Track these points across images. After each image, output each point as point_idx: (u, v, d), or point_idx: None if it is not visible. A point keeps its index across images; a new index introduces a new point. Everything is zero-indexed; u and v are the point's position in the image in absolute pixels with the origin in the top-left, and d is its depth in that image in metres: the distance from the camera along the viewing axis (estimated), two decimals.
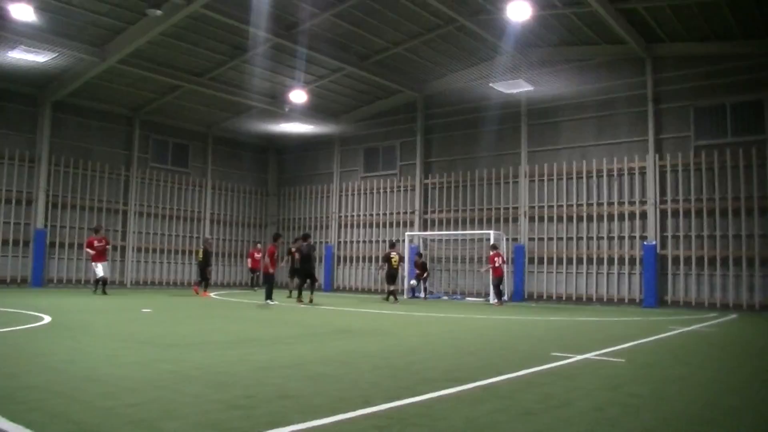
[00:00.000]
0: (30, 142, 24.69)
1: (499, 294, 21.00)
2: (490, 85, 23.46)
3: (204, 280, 22.65)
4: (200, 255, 23.09)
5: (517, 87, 23.25)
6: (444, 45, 22.97)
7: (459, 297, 24.14)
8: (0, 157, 23.81)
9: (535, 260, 23.66)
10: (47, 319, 10.98)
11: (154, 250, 28.21)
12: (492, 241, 22.74)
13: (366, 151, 29.69)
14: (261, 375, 6.03)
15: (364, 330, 11.27)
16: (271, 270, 18.80)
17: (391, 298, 20.82)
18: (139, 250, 27.49)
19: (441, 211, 26.59)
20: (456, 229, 25.70)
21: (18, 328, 9.51)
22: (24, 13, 18.12)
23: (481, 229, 24.70)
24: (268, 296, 18.17)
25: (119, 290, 24.33)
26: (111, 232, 26.68)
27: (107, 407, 4.48)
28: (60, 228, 25.26)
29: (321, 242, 30.43)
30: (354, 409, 4.56)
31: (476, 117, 25.53)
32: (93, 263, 20.58)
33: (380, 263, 22.24)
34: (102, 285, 20.10)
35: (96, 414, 4.26)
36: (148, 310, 14.06)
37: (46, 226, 24.70)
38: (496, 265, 20.86)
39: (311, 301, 18.24)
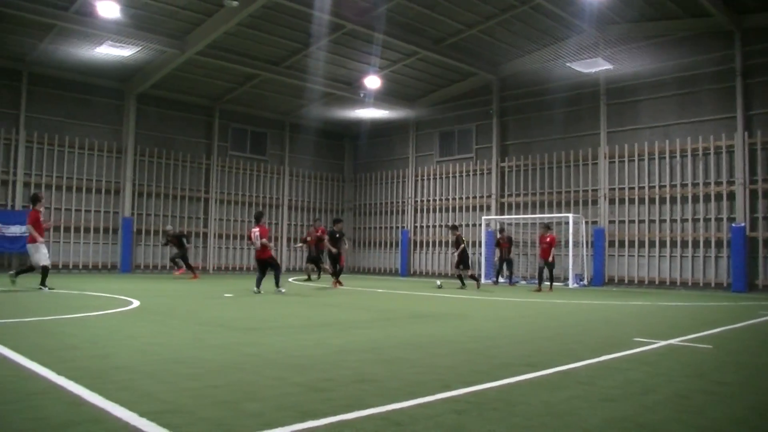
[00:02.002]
0: (117, 133, 25.73)
1: (541, 278, 19.18)
2: (567, 64, 22.91)
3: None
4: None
5: (595, 66, 22.62)
6: (519, 25, 22.54)
7: (536, 281, 23.74)
8: (90, 148, 24.95)
9: (616, 244, 23.06)
10: (135, 303, 11.45)
11: (235, 237, 28.97)
12: (571, 224, 22.30)
13: (441, 135, 29.54)
14: (338, 358, 6.11)
15: (439, 314, 11.26)
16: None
17: (472, 283, 20.38)
18: (219, 236, 28.26)
19: (518, 195, 26.23)
20: (533, 212, 25.31)
21: (109, 311, 9.95)
22: (110, 11, 18.84)
23: (560, 212, 24.22)
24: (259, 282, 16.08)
25: (202, 275, 25.10)
26: (193, 220, 27.63)
27: (192, 388, 4.63)
28: (146, 216, 26.27)
29: (397, 227, 30.55)
30: (432, 393, 4.56)
31: (553, 98, 24.98)
32: (35, 244, 14.27)
33: (455, 248, 20.77)
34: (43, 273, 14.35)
35: (182, 394, 4.42)
36: (230, 295, 14.45)
37: (132, 214, 25.72)
38: (543, 245, 18.98)
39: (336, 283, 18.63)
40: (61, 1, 19.40)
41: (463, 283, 20.02)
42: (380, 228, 31.86)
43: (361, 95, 27.04)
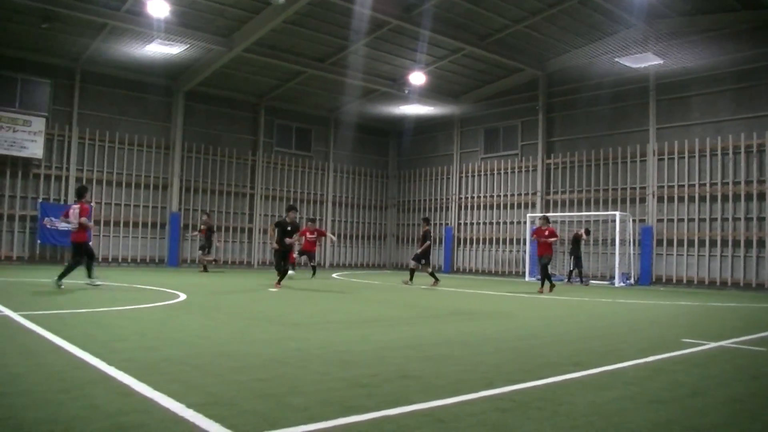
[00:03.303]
0: (165, 130, 26.21)
1: (546, 278, 16.78)
2: (616, 60, 22.51)
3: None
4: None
5: (644, 61, 22.16)
6: (567, 20, 22.22)
7: (578, 280, 23.37)
8: (139, 144, 25.47)
9: (664, 242, 22.58)
10: (183, 296, 11.66)
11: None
12: (618, 222, 21.93)
13: (486, 131, 29.34)
14: (382, 355, 6.13)
15: (484, 312, 11.20)
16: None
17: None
18: (264, 232, 28.53)
19: (564, 192, 25.90)
20: (579, 210, 24.94)
21: (158, 304, 10.15)
22: (159, 9, 19.18)
23: (606, 210, 23.84)
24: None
25: (247, 271, 25.44)
26: (239, 215, 27.99)
27: (239, 381, 4.70)
28: (192, 211, 26.70)
29: (441, 224, 30.46)
30: (476, 391, 4.55)
31: (601, 94, 24.55)
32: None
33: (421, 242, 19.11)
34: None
35: (229, 387, 4.49)
36: (274, 290, 14.60)
37: (180, 209, 26.17)
38: (552, 240, 17.02)
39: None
40: (112, 1, 19.83)
41: (412, 279, 18.72)
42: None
43: (406, 91, 27.00)
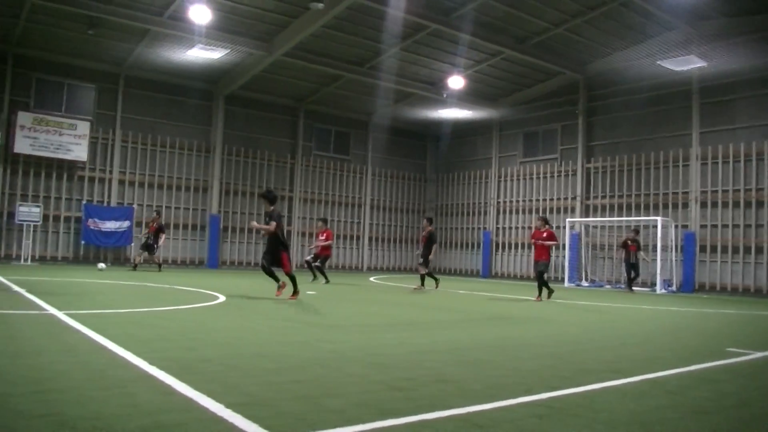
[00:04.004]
0: (205, 133, 26.59)
1: (543, 285, 15.22)
2: (658, 62, 22.14)
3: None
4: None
5: (687, 63, 21.76)
6: (608, 23, 21.95)
7: (623, 286, 23.01)
8: (180, 148, 25.89)
9: (708, 249, 22.12)
10: (222, 298, 11.79)
11: (317, 236, 29.37)
12: (660, 227, 21.53)
13: (525, 135, 29.12)
14: (419, 358, 6.12)
15: (522, 317, 11.10)
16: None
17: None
18: (303, 234, 28.74)
19: (604, 197, 25.55)
20: (620, 215, 24.58)
21: (197, 305, 10.28)
22: (200, 15, 19.47)
23: (647, 215, 23.46)
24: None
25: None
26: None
27: (276, 382, 4.73)
28: (232, 213, 27.02)
29: (479, 228, 30.30)
30: (513, 397, 4.50)
31: (642, 97, 24.19)
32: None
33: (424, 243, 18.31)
34: None
35: (266, 388, 4.52)
36: (312, 293, 14.68)
37: (219, 211, 26.51)
38: (539, 242, 15.34)
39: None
40: (155, 7, 20.22)
41: (422, 283, 18.01)
42: (462, 228, 31.67)
43: (444, 95, 26.95)
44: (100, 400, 3.96)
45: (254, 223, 12.94)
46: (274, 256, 12.15)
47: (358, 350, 6.44)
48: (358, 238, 30.67)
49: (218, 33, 21.39)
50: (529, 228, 28.02)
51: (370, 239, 30.90)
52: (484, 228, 30.11)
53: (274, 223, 11.87)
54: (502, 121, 29.85)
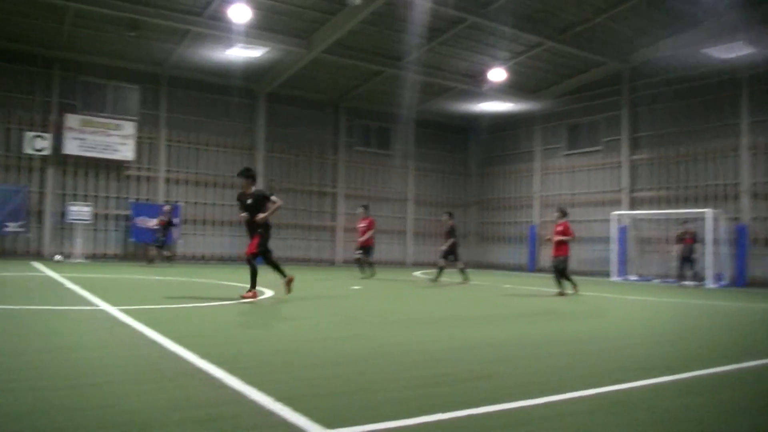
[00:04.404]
0: (248, 131, 26.90)
1: (565, 279, 14.16)
2: (704, 50, 21.61)
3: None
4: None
5: (735, 51, 21.14)
6: (651, 11, 21.51)
7: (672, 281, 22.54)
8: (224, 146, 26.25)
9: (761, 242, 21.53)
10: (269, 293, 11.93)
11: (358, 223, 29.51)
12: (709, 220, 20.96)
13: (568, 127, 28.75)
14: (459, 354, 6.12)
15: (568, 312, 10.99)
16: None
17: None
18: (347, 230, 28.87)
19: (650, 189, 25.07)
20: (667, 207, 24.06)
21: (246, 301, 10.41)
22: (240, 14, 19.69)
23: (696, 207, 22.91)
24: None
25: (330, 268, 25.79)
26: (321, 214, 28.43)
27: (323, 376, 4.80)
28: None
29: (524, 222, 30.05)
30: (555, 393, 4.47)
31: (688, 86, 23.65)
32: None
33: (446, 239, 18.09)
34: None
35: (314, 382, 4.58)
36: (357, 287, 14.76)
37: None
38: (557, 239, 14.20)
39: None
40: (195, 8, 20.51)
41: (439, 275, 17.85)
42: (506, 223, 31.44)
43: (485, 88, 26.76)
44: (153, 393, 4.06)
45: (260, 216, 10.34)
46: (251, 238, 10.61)
47: (402, 345, 6.47)
48: (402, 233, 30.69)
49: (258, 31, 21.60)
50: (574, 221, 27.69)
51: (414, 234, 30.87)
52: (529, 222, 29.82)
53: (275, 197, 10.61)
54: (545, 113, 29.50)
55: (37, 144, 22.31)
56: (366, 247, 18.70)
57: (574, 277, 14.64)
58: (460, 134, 33.09)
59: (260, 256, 10.51)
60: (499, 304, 11.91)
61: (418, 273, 17.92)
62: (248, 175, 10.59)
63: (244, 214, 10.46)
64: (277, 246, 26.69)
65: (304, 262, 27.56)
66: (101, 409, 3.63)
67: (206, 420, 3.50)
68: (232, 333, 6.91)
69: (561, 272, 14.13)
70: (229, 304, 9.87)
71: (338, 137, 29.05)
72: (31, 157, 22.66)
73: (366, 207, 19.74)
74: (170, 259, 21.97)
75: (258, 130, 26.81)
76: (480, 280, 19.32)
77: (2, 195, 21.57)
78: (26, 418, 3.44)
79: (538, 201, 29.56)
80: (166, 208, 22.18)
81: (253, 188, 10.60)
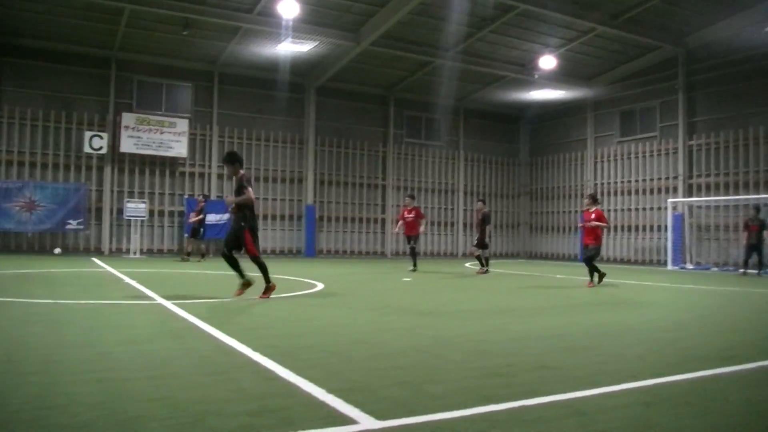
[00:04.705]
0: (298, 125, 27.12)
1: (593, 269, 13.63)
2: (766, 30, 20.83)
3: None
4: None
5: None
6: None
7: (731, 269, 21.88)
8: (275, 141, 26.53)
9: None
10: (320, 286, 12.01)
11: (404, 213, 29.48)
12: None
13: (622, 114, 28.12)
14: (519, 344, 6.05)
15: (624, 301, 10.77)
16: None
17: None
18: (397, 222, 28.84)
19: (708, 175, 24.34)
20: (726, 194, 23.34)
21: (297, 294, 10.51)
22: (288, 9, 19.83)
23: (757, 193, 22.13)
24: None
25: (380, 260, 25.84)
26: (371, 206, 28.50)
27: (376, 368, 4.79)
28: (327, 203, 27.48)
29: (576, 211, 29.59)
30: (617, 383, 4.38)
31: (748, 68, 22.83)
32: None
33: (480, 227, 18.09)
34: None
35: (367, 374, 4.58)
36: (408, 279, 14.75)
37: (314, 201, 27.00)
38: (590, 224, 13.63)
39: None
40: (245, 5, 20.75)
41: (482, 264, 17.76)
42: (558, 212, 31.00)
43: (536, 76, 26.36)
44: (208, 385, 4.12)
45: (229, 197, 9.83)
46: (238, 238, 9.62)
47: (457, 336, 6.42)
48: (452, 224, 30.55)
49: (306, 26, 21.74)
50: (629, 210, 27.19)
51: (465, 225, 30.68)
52: (582, 211, 29.28)
53: (251, 190, 9.53)
54: (597, 100, 28.92)
55: (95, 143, 22.93)
56: (415, 237, 18.26)
57: (607, 268, 14.32)
58: (511, 123, 32.72)
59: (230, 252, 9.59)
60: (553, 295, 11.73)
61: (468, 264, 17.77)
62: (231, 160, 9.73)
63: (229, 199, 9.81)
64: (328, 239, 27.12)
65: (355, 254, 27.71)
66: (155, 401, 3.70)
67: (259, 412, 3.53)
68: (284, 326, 6.97)
69: (591, 260, 13.54)
70: (281, 297, 9.96)
71: (387, 129, 29.05)
72: (89, 156, 23.31)
73: (412, 196, 19.31)
74: (203, 256, 21.55)
75: (308, 124, 27.00)
76: (532, 270, 19.10)
77: (63, 193, 22.27)
78: (99, 408, 3.55)
79: (590, 189, 28.99)
80: (200, 200, 22.02)
81: (242, 172, 9.73)
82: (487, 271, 17.65)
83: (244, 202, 9.41)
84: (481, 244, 17.79)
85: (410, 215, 18.01)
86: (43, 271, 14.12)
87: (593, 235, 13.50)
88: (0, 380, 4.14)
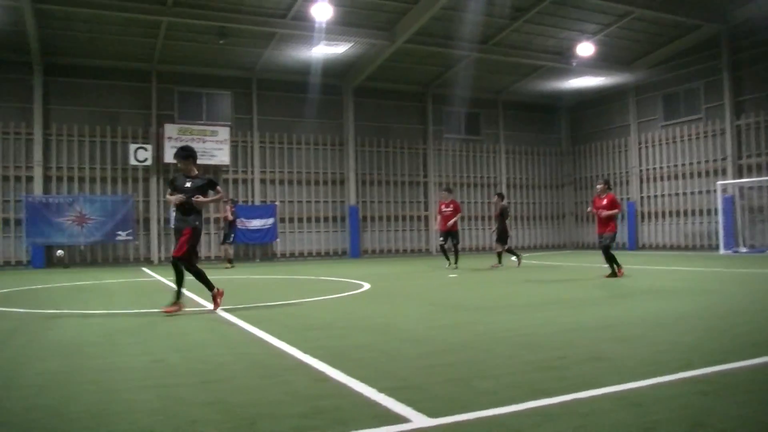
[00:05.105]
0: (338, 127, 27.23)
1: (612, 259, 12.90)
2: None
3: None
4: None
5: None
6: None
7: None
8: (315, 143, 26.69)
9: None
10: (366, 286, 12.04)
11: (441, 207, 29.35)
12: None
13: (664, 97, 27.53)
14: (570, 336, 5.97)
15: (676, 289, 10.55)
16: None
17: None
18: (436, 218, 28.74)
19: (759, 155, 23.66)
20: None
21: (344, 294, 10.56)
22: (322, 12, 19.97)
23: None
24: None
25: (425, 258, 25.80)
26: (414, 204, 28.46)
27: (426, 365, 4.78)
28: (369, 203, 27.54)
29: (622, 199, 29.08)
30: (673, 373, 4.29)
31: None
32: None
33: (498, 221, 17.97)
34: None
35: (417, 372, 4.58)
36: (454, 276, 14.68)
37: (357, 202, 27.09)
38: (605, 214, 12.91)
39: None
40: (279, 10, 20.92)
41: (500, 261, 17.37)
42: None
43: (574, 64, 25.98)
44: (260, 388, 4.17)
45: (200, 198, 8.79)
46: (180, 233, 8.90)
47: (506, 331, 6.38)
48: (496, 218, 30.26)
49: (340, 27, 21.82)
50: (676, 195, 26.62)
51: (511, 218, 30.37)
52: (628, 198, 28.83)
53: (220, 188, 9.13)
54: (638, 84, 28.37)
55: (140, 155, 23.40)
56: (453, 233, 17.25)
57: (657, 255, 13.99)
58: (551, 113, 32.32)
59: (185, 261, 8.64)
60: (601, 285, 11.55)
61: (513, 258, 17.62)
62: (185, 155, 8.84)
63: (179, 196, 8.74)
64: (372, 239, 27.19)
65: (399, 253, 27.72)
66: (209, 406, 3.76)
67: (311, 413, 3.56)
68: (333, 327, 7.01)
69: (606, 249, 12.84)
70: (329, 298, 10.03)
71: (426, 126, 28.97)
72: (135, 168, 23.79)
73: (449, 189, 18.53)
74: (230, 262, 20.67)
75: (347, 125, 27.10)
76: (579, 261, 18.83)
77: (111, 206, 22.78)
78: (157, 414, 3.63)
79: (635, 176, 28.50)
80: (229, 204, 21.19)
81: (196, 171, 8.93)
82: (519, 263, 17.55)
83: (214, 203, 8.55)
84: (504, 239, 17.66)
85: (448, 209, 17.25)
86: (96, 283, 14.47)
87: (609, 222, 12.92)
88: (60, 388, 4.26)
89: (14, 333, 6.83)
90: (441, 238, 17.52)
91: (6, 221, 21.72)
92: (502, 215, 17.75)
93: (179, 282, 8.57)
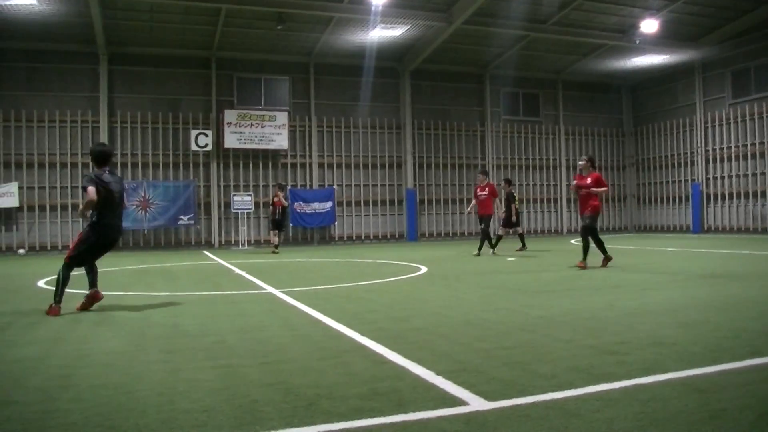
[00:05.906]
0: (395, 110, 27.20)
1: (599, 243, 11.91)
2: None
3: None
4: None
5: None
6: None
7: None
8: (372, 127, 26.73)
9: None
10: (424, 269, 12.06)
11: (476, 191, 28.99)
12: None
13: (733, 74, 26.51)
14: (631, 321, 5.86)
15: (744, 274, 10.21)
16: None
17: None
18: (499, 201, 28.49)
19: None
20: None
21: (402, 277, 10.61)
22: None
23: None
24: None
25: (466, 242, 25.58)
26: (472, 187, 28.19)
27: (484, 349, 4.77)
28: (427, 186, 27.48)
29: (686, 180, 28.28)
30: (739, 359, 4.18)
31: None
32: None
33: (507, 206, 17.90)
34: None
35: (475, 355, 4.57)
36: (512, 259, 14.56)
37: (414, 185, 27.06)
38: (585, 192, 11.99)
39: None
40: None
41: (492, 245, 16.43)
42: (666, 182, 29.70)
43: (637, 42, 25.22)
44: (319, 370, 4.23)
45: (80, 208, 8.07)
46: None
47: (565, 315, 6.30)
48: (555, 200, 29.87)
49: (397, 10, 21.70)
50: (745, 176, 25.71)
51: (569, 201, 29.93)
52: (693, 180, 27.98)
53: (92, 189, 7.11)
54: (705, 61, 27.39)
55: (201, 141, 23.87)
56: (488, 217, 16.38)
57: (724, 238, 13.53)
58: (612, 93, 31.53)
59: (78, 265, 7.47)
60: (668, 268, 11.28)
61: (574, 241, 17.30)
62: (95, 155, 7.61)
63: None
64: (429, 222, 27.16)
65: (456, 236, 27.60)
66: (270, 387, 3.83)
67: (369, 395, 3.60)
68: (391, 310, 7.04)
69: (591, 231, 11.74)
70: (387, 281, 10.08)
71: (484, 108, 28.67)
72: (196, 154, 24.30)
73: (485, 172, 17.82)
74: (276, 247, 20.09)
75: (404, 109, 27.05)
76: (641, 244, 18.40)
77: (174, 191, 23.35)
78: (219, 393, 3.73)
79: (701, 157, 27.61)
80: (277, 189, 20.66)
81: (96, 170, 7.51)
82: (524, 248, 17.43)
83: (86, 208, 7.32)
84: (508, 223, 17.68)
85: (483, 193, 16.32)
86: (160, 266, 14.88)
87: (589, 202, 11.75)
88: (127, 368, 4.41)
89: (84, 313, 7.09)
90: (482, 224, 16.48)
91: (75, 207, 22.45)
92: (509, 200, 17.79)
93: (62, 283, 7.13)
